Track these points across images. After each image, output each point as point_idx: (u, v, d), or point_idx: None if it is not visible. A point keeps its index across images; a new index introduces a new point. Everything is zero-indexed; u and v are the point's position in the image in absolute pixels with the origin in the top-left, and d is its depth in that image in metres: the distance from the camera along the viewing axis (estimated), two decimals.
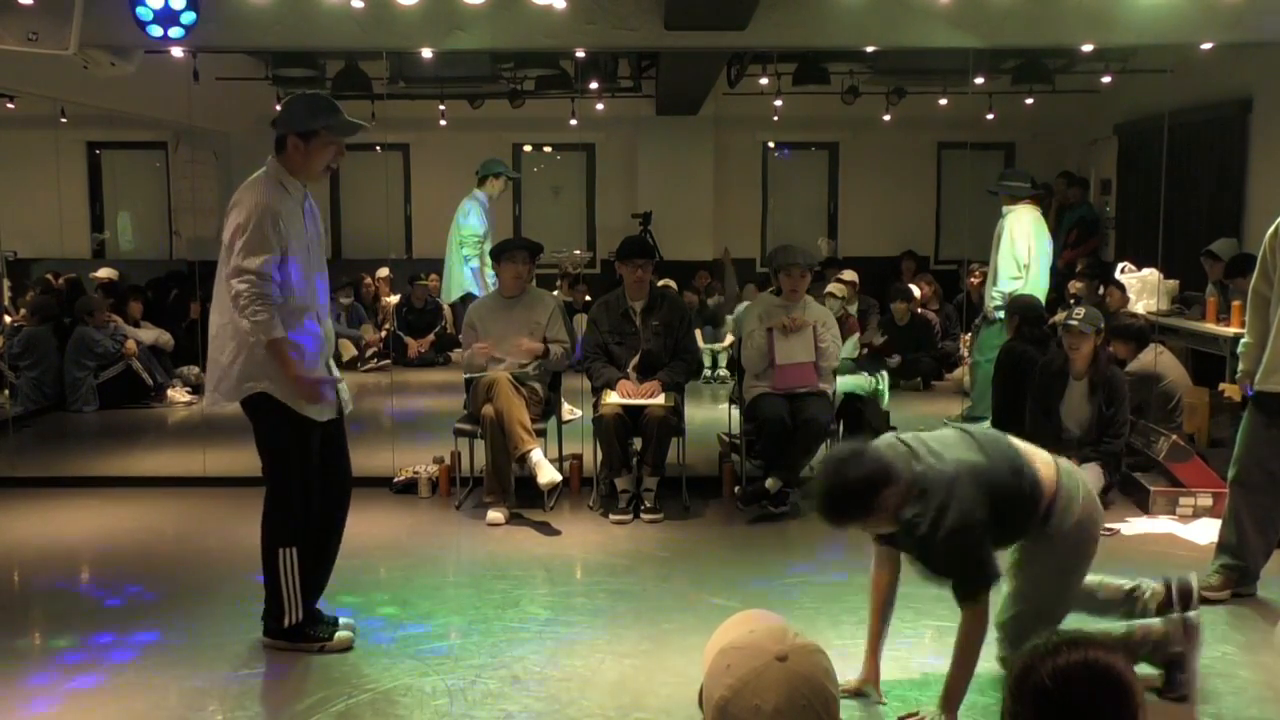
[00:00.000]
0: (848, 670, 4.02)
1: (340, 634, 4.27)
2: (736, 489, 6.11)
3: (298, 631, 4.24)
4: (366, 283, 11.76)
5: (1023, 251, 7.73)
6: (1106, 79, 9.67)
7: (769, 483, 5.96)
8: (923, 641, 4.38)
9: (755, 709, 1.54)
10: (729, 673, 1.58)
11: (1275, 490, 4.68)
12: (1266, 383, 4.58)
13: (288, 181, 4.16)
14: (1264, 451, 4.65)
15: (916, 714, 3.62)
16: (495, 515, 5.94)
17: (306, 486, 4.23)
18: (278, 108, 4.40)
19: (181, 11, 6.27)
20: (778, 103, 10.71)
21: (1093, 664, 1.68)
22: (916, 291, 10.31)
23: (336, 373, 4.36)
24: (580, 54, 8.50)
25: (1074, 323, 6.06)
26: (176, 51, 7.04)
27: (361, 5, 6.36)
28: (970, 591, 3.48)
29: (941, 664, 4.07)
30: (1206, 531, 5.72)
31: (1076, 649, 1.70)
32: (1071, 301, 9.24)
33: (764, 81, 10.50)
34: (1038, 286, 7.79)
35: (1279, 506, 4.71)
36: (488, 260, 7.65)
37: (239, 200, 4.11)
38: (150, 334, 9.67)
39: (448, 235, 8.61)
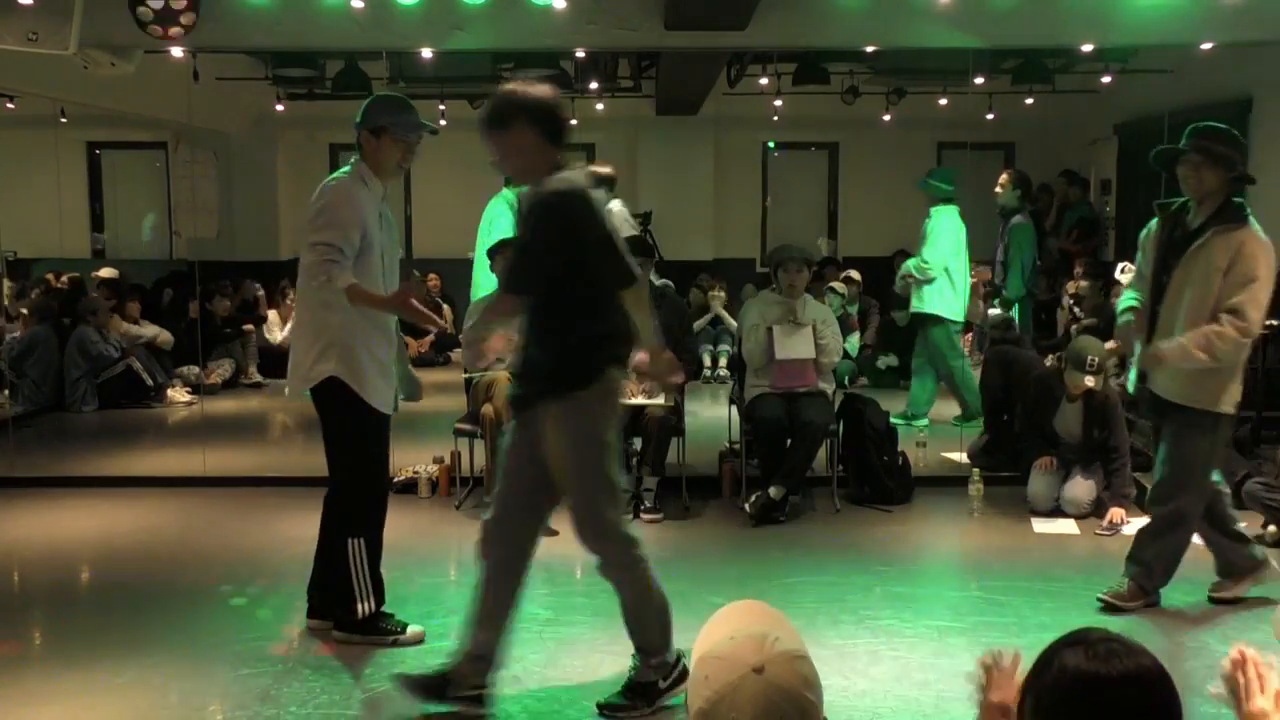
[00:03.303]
0: (848, 670, 4.03)
1: (413, 629, 4.33)
2: (746, 505, 6.04)
3: (371, 624, 4.29)
4: None
5: (939, 253, 7.79)
6: (1106, 79, 9.66)
7: (773, 491, 5.94)
8: (922, 641, 4.37)
9: None
10: (707, 684, 1.57)
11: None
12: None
13: (369, 178, 4.32)
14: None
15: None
16: None
17: (375, 477, 4.33)
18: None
19: (181, 11, 6.27)
20: (778, 103, 10.70)
21: (1146, 671, 1.65)
22: None
23: (411, 372, 4.59)
24: (580, 54, 8.50)
25: (1088, 378, 5.81)
26: (176, 51, 7.04)
27: (361, 5, 6.36)
28: None
29: (941, 663, 4.08)
30: None
31: (1127, 658, 1.65)
32: (1070, 302, 9.25)
33: (764, 81, 10.48)
34: (958, 288, 7.86)
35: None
36: None
37: (323, 191, 4.25)
38: (150, 330, 9.67)
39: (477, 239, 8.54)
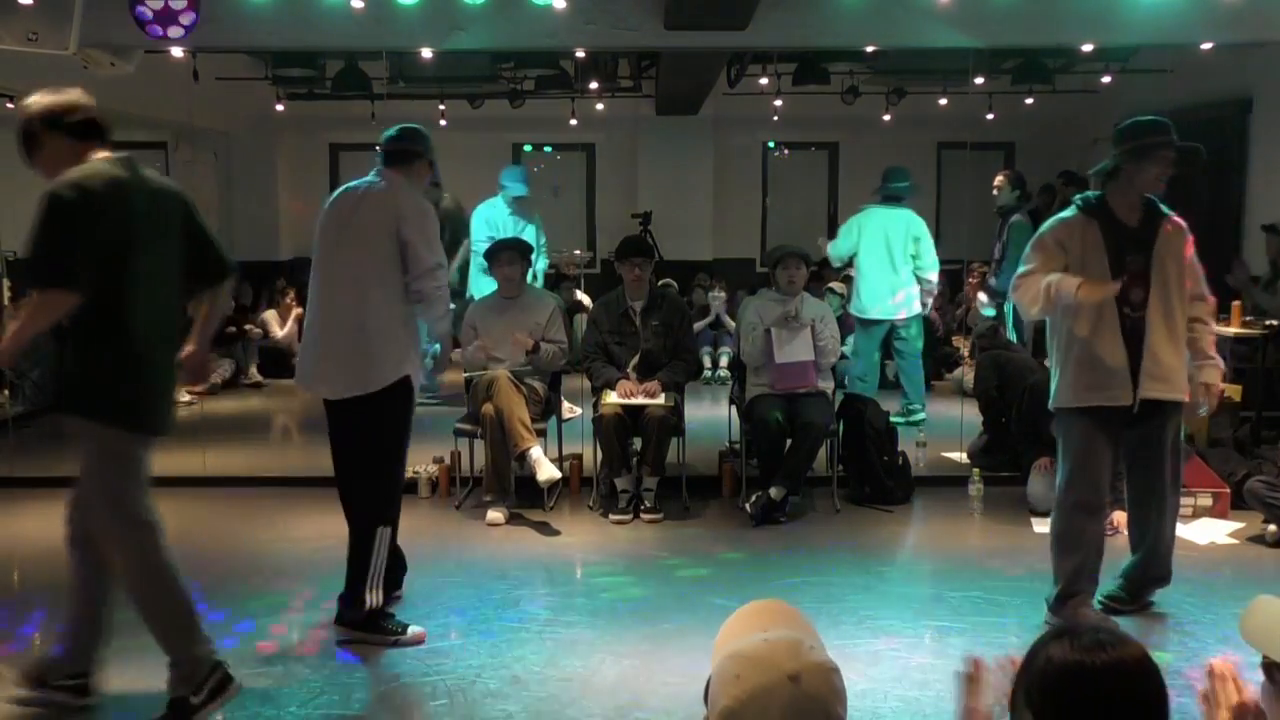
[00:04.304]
0: (848, 670, 4.02)
1: (413, 629, 4.37)
2: (746, 505, 6.06)
3: (373, 622, 4.32)
4: None
5: (838, 252, 8.31)
6: (1106, 79, 9.67)
7: (773, 492, 5.94)
8: (922, 641, 4.38)
9: None
10: (738, 683, 1.53)
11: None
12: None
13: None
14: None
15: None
16: (495, 515, 5.94)
17: (404, 467, 4.61)
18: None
19: (181, 11, 6.27)
20: (778, 103, 10.70)
21: (1133, 662, 1.67)
22: None
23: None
24: (580, 54, 8.49)
25: None
26: (176, 51, 7.04)
27: (361, 5, 6.36)
28: None
29: (941, 663, 4.08)
30: (1206, 531, 5.74)
31: (1112, 648, 1.68)
32: None
33: (764, 81, 10.49)
34: (865, 283, 8.17)
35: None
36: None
37: (421, 207, 4.42)
38: None
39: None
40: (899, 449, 6.53)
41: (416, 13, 6.45)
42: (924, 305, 8.21)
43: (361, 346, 4.27)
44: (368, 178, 4.45)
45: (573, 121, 10.71)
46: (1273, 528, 5.54)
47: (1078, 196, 4.48)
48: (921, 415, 7.94)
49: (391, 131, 4.52)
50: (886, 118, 11.21)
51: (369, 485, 4.39)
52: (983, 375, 7.10)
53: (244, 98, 10.31)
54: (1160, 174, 4.31)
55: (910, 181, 8.23)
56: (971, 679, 1.97)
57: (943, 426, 7.72)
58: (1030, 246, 4.45)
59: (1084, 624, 1.72)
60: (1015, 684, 1.74)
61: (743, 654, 1.56)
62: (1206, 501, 5.95)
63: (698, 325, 10.21)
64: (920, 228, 8.06)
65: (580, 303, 9.69)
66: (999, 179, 8.57)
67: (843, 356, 7.91)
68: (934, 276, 8.12)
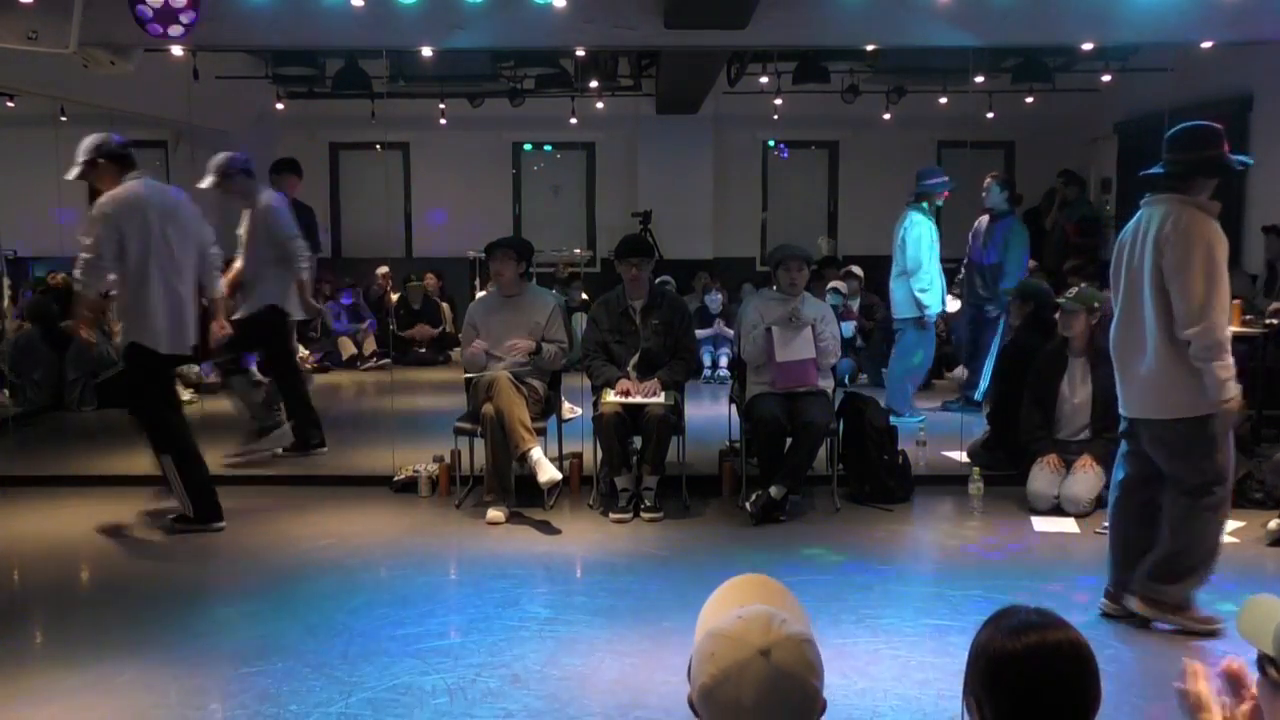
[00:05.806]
0: (848, 669, 4.03)
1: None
2: (746, 505, 6.04)
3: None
4: (382, 277, 11.71)
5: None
6: (1107, 78, 9.68)
7: (773, 491, 5.93)
8: (922, 641, 4.37)
9: (735, 701, 1.57)
10: (712, 661, 1.59)
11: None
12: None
13: None
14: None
15: None
16: (495, 514, 5.94)
17: None
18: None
19: (181, 10, 6.27)
20: (778, 102, 10.72)
21: (1054, 645, 1.74)
22: None
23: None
24: (580, 53, 8.50)
25: (1063, 301, 6.20)
26: (176, 50, 7.03)
27: (361, 4, 6.36)
28: None
29: (941, 663, 4.08)
30: None
31: (1033, 631, 1.75)
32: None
33: (764, 80, 10.51)
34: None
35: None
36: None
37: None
38: None
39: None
40: (899, 448, 6.52)
41: (416, 11, 6.45)
42: (919, 308, 8.11)
43: (191, 314, 5.75)
44: (154, 183, 5.66)
45: (573, 120, 10.73)
46: (1273, 525, 5.51)
47: (1181, 198, 4.39)
48: (920, 416, 7.93)
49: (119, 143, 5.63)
50: (886, 117, 11.23)
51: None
52: (1004, 358, 6.98)
53: (244, 96, 10.32)
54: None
55: (925, 183, 8.17)
56: None
57: (943, 426, 7.71)
58: (1204, 272, 4.25)
59: (1012, 608, 1.84)
60: (966, 670, 1.83)
61: (718, 632, 1.62)
62: None
63: (701, 333, 10.20)
64: (906, 229, 8.06)
65: (584, 301, 9.70)
66: (987, 180, 8.60)
67: (848, 350, 7.91)
68: (911, 278, 8.07)
